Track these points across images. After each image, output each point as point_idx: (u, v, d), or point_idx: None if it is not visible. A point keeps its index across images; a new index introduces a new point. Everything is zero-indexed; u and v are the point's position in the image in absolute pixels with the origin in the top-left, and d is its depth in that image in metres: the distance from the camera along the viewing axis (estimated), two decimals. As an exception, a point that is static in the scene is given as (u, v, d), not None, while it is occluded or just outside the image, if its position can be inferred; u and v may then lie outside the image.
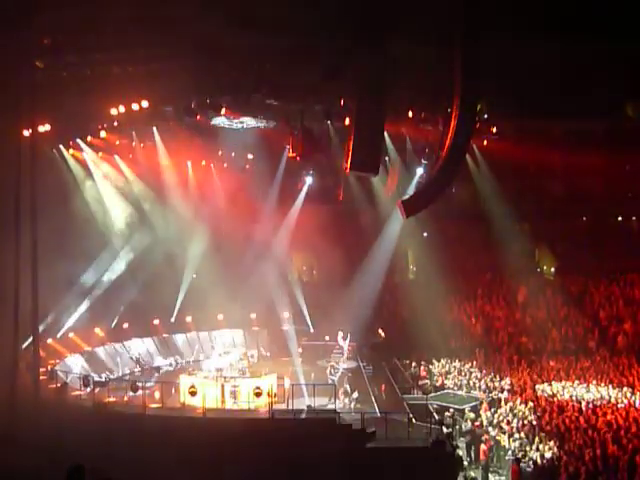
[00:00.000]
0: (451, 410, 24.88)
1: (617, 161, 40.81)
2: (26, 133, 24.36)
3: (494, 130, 29.09)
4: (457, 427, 23.97)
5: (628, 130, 40.48)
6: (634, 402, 26.84)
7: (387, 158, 32.34)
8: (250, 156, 35.40)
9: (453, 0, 16.29)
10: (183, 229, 33.60)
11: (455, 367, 31.62)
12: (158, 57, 23.20)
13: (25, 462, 16.11)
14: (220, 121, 28.58)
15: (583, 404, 26.42)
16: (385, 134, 26.12)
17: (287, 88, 24.63)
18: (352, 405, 24.14)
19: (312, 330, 33.43)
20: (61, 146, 30.10)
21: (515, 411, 25.44)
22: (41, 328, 26.09)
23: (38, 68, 22.64)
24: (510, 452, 22.10)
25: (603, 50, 32.16)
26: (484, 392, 28.11)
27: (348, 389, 25.23)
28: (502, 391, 28.29)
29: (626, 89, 34.45)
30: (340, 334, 29.74)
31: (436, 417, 22.92)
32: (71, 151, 30.71)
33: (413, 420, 21.98)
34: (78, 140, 29.99)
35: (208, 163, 35.47)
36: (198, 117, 26.83)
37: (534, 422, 24.21)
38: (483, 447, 22.53)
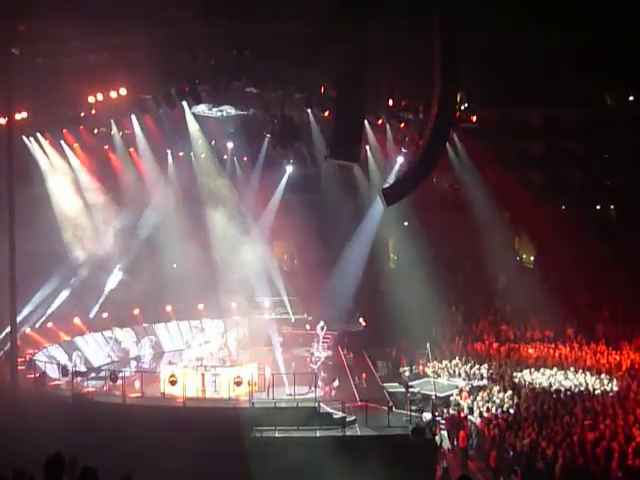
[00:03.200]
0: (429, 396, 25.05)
1: (596, 150, 41.21)
2: (2, 121, 24.07)
3: (474, 119, 29.08)
4: (437, 414, 24.11)
5: (607, 119, 40.91)
6: (611, 388, 27.16)
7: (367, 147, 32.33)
8: (230, 144, 35.17)
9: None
10: (162, 218, 33.32)
11: (436, 355, 31.78)
12: (136, 45, 22.98)
13: (2, 452, 16.00)
14: (199, 109, 28.38)
15: (561, 391, 26.69)
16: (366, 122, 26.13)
17: (267, 76, 24.50)
18: (333, 393, 24.19)
19: (293, 319, 33.40)
20: (38, 134, 29.69)
21: (494, 398, 25.64)
22: (19, 318, 25.92)
23: (14, 55, 22.34)
24: (489, 438, 22.28)
25: (583, 40, 32.42)
26: (464, 380, 28.31)
27: (324, 376, 25.25)
28: (482, 378, 28.52)
29: (605, 79, 34.73)
30: (321, 323, 29.83)
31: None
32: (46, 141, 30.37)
33: (393, 408, 22.08)
34: (55, 128, 29.55)
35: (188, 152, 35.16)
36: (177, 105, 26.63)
37: (513, 409, 24.43)
38: (462, 434, 22.71)
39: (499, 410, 24.32)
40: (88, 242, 31.35)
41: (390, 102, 26.83)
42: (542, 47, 32.85)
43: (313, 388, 23.26)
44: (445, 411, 24.51)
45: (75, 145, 30.94)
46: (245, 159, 36.76)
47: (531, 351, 32.55)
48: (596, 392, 26.63)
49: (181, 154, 34.53)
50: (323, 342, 30.13)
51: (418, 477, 19.80)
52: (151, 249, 32.62)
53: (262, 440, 20.19)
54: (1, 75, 22.27)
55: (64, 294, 30.87)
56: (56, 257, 30.62)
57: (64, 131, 29.81)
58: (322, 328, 29.50)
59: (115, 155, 32.74)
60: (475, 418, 23.84)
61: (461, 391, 26.58)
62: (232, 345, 27.48)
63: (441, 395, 26.16)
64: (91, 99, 26.01)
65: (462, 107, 27.53)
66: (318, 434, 20.60)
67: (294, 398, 22.09)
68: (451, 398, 26.11)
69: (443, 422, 23.62)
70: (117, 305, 31.78)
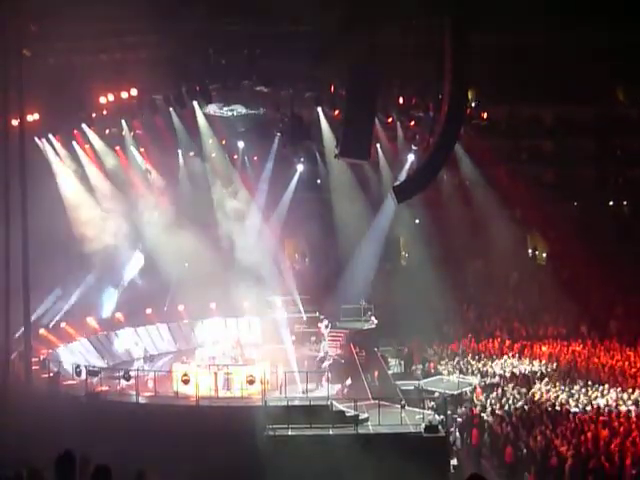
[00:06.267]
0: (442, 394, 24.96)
1: (608, 146, 40.93)
2: (14, 122, 24.20)
3: (485, 116, 29.03)
4: (450, 412, 24.03)
5: (618, 115, 40.67)
6: (625, 386, 26.97)
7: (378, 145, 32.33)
8: (241, 144, 35.22)
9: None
10: (173, 217, 33.34)
11: (448, 353, 31.71)
12: (146, 45, 23.05)
13: (17, 451, 16.09)
14: (210, 109, 28.45)
15: (575, 388, 26.55)
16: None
17: (277, 75, 24.52)
18: (345, 391, 24.17)
19: (304, 317, 33.39)
20: (50, 135, 29.78)
21: (507, 396, 25.55)
22: (33, 318, 26.08)
23: (25, 56, 22.47)
24: (502, 436, 22.19)
25: (595, 36, 32.24)
26: (477, 377, 28.22)
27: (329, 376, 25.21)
28: (494, 376, 28.41)
29: (617, 74, 34.48)
30: (324, 322, 29.82)
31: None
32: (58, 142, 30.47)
33: (406, 406, 22.03)
34: (67, 128, 29.63)
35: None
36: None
37: (526, 406, 24.33)
38: (475, 431, 22.63)
39: (512, 407, 24.21)
40: (99, 242, 31.43)
41: (400, 100, 26.80)
42: (553, 43, 32.68)
43: (320, 385, 23.30)
44: (458, 409, 24.42)
45: (86, 146, 31.02)
46: (256, 158, 36.82)
47: (544, 348, 32.40)
48: (610, 389, 26.46)
49: (191, 154, 34.60)
50: (331, 340, 30.11)
51: (431, 475, 19.71)
52: (162, 249, 32.63)
53: (275, 438, 20.20)
54: (13, 76, 22.41)
55: (77, 294, 31.01)
56: (67, 257, 30.69)
57: (75, 132, 29.91)
58: (326, 326, 29.44)
59: (125, 155, 32.83)
60: (488, 415, 23.75)
61: (475, 388, 26.49)
62: (244, 344, 27.52)
63: (453, 393, 26.08)
64: (102, 99, 26.15)
65: (473, 104, 27.48)
66: (331, 432, 20.59)
67: (307, 396, 22.08)
68: (464, 396, 26.04)
69: (457, 420, 23.53)
70: (130, 304, 31.88)
